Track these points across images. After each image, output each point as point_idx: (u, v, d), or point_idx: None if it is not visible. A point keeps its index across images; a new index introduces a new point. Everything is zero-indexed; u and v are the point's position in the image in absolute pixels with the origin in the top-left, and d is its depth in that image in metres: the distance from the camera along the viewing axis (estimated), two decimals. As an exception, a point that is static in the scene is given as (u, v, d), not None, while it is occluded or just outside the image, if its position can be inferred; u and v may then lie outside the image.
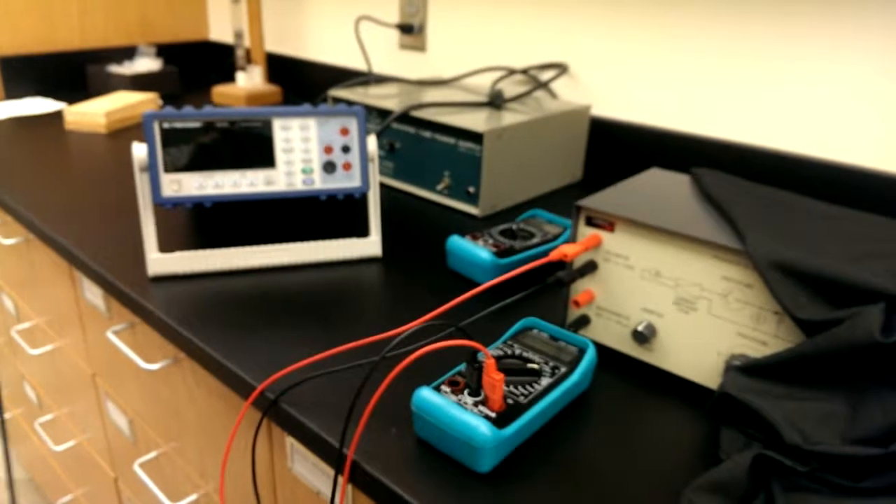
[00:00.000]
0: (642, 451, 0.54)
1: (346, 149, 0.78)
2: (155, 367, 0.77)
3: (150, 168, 0.73)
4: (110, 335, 0.84)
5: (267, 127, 0.74)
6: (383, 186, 1.09)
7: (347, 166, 0.78)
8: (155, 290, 0.74)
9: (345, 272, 0.81)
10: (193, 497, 0.86)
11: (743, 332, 0.57)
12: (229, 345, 0.65)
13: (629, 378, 0.63)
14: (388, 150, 1.07)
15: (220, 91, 1.56)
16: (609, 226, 0.62)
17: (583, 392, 0.61)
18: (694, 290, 0.59)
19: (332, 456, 0.54)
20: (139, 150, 0.73)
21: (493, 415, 0.51)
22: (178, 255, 0.77)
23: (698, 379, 0.61)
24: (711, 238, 0.56)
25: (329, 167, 0.77)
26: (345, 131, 0.77)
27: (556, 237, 0.84)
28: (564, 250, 0.60)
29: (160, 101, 1.56)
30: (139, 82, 1.60)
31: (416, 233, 0.92)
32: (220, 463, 0.79)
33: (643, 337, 0.61)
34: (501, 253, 0.78)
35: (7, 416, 1.55)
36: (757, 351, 0.57)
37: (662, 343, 0.62)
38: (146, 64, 1.66)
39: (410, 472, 0.51)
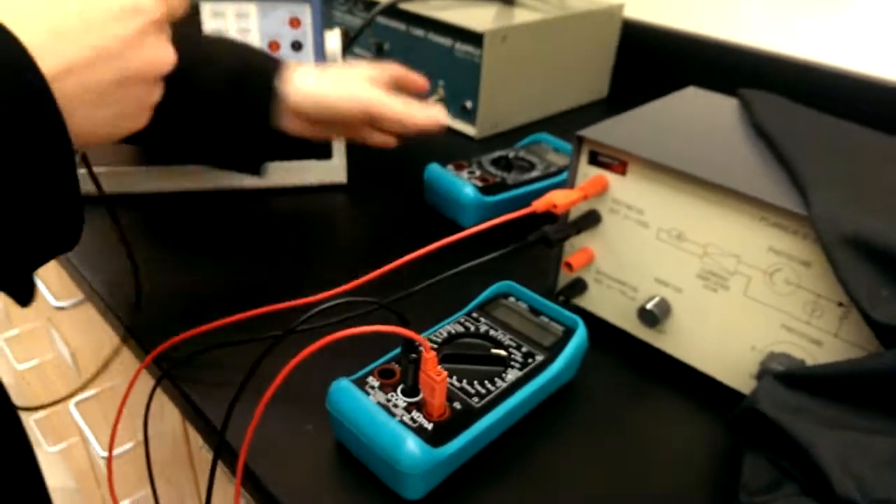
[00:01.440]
0: (640, 469, 0.40)
1: (296, 46, 0.61)
2: (64, 304, 0.65)
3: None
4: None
5: (193, 14, 0.58)
6: (369, 95, 0.92)
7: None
8: (63, 215, 0.61)
9: (299, 202, 0.66)
10: (129, 446, 0.76)
11: (790, 326, 0.41)
12: (134, 290, 0.52)
13: (630, 365, 0.49)
14: (374, 52, 0.90)
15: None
16: (620, 166, 0.46)
17: (567, 382, 0.46)
18: (728, 261, 0.43)
19: (223, 453, 0.42)
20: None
21: (428, 426, 0.37)
22: (96, 170, 0.63)
23: (722, 377, 0.46)
24: (759, 193, 0.40)
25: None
26: (295, 22, 0.60)
27: (561, 170, 0.67)
28: (554, 199, 0.44)
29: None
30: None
31: (395, 156, 0.76)
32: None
33: (652, 317, 0.46)
34: (489, 188, 0.62)
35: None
36: (806, 353, 0.41)
37: (678, 326, 0.47)
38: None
39: (317, 487, 0.38)
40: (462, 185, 0.61)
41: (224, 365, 0.46)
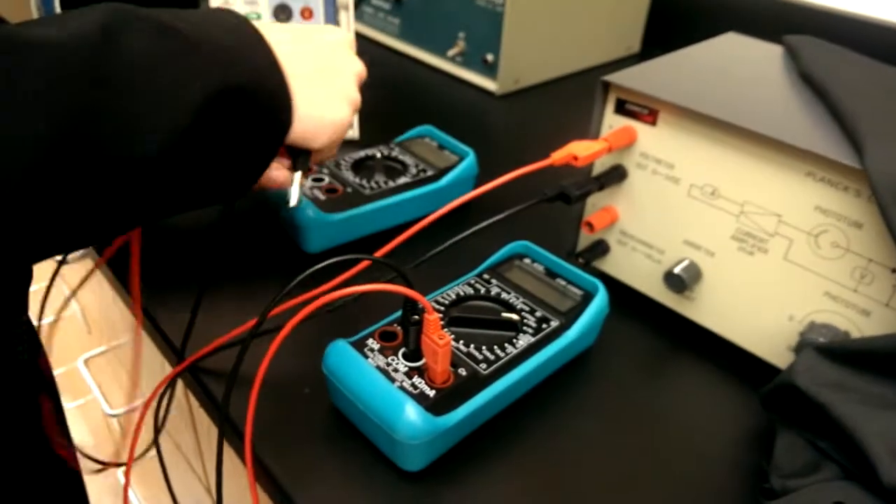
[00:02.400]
0: (660, 447, 0.37)
1: (305, -11, 0.57)
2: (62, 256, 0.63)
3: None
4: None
5: (194, -50, 0.54)
6: (386, 49, 0.88)
7: (307, 13, 0.58)
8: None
9: (307, 156, 0.62)
10: (137, 403, 0.74)
11: (835, 294, 0.37)
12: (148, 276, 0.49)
13: (654, 334, 0.45)
14: (393, 2, 0.85)
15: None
16: (650, 115, 0.42)
17: (585, 349, 0.43)
18: (767, 221, 0.39)
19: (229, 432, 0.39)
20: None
21: (430, 393, 0.34)
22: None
23: (755, 349, 0.42)
24: (806, 144, 0.36)
25: (281, 12, 0.57)
26: (303, -37, 0.56)
27: (439, 175, 0.54)
28: (574, 150, 0.40)
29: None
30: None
31: (413, 113, 0.73)
32: (157, 380, 0.67)
33: (680, 282, 0.42)
34: (335, 202, 0.49)
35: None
36: (852, 324, 0.37)
37: (708, 292, 0.43)
38: None
39: (312, 454, 0.36)
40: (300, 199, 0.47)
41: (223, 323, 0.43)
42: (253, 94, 0.34)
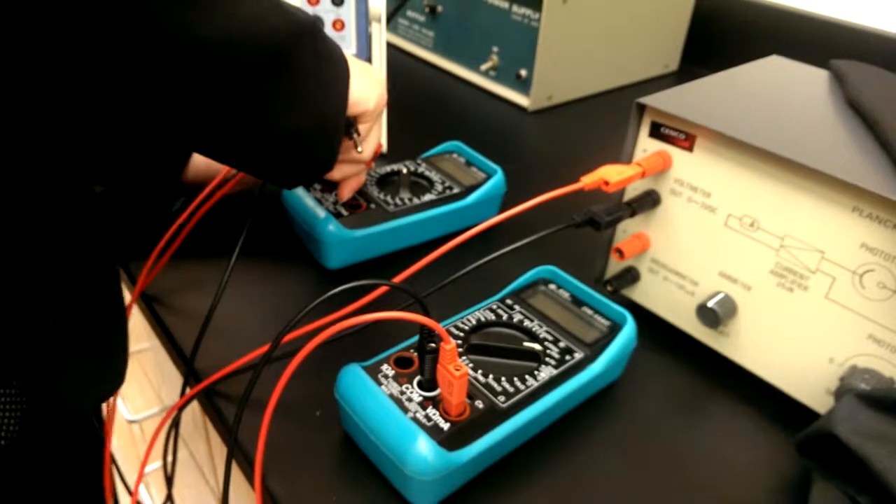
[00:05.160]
0: (687, 492, 0.35)
1: (337, 0, 0.56)
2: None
3: None
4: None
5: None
6: (419, 61, 0.87)
7: (339, 25, 0.57)
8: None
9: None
10: (155, 410, 0.74)
11: (879, 337, 0.35)
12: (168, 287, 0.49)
13: (685, 369, 0.43)
14: (428, 14, 0.85)
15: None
16: (686, 140, 0.40)
17: (610, 384, 0.41)
18: (809, 257, 0.36)
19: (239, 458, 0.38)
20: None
21: (444, 426, 0.33)
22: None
23: (791, 390, 0.40)
24: (853, 177, 0.33)
25: (312, 24, 0.57)
26: (336, -26, 0.56)
27: (467, 192, 0.52)
28: (606, 175, 0.39)
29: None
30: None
31: (442, 127, 0.72)
32: (175, 388, 0.66)
33: (714, 316, 0.40)
34: (358, 219, 0.48)
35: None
36: (899, 370, 0.35)
37: (743, 328, 0.41)
38: None
39: (320, 482, 0.35)
40: (318, 215, 0.47)
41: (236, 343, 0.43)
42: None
